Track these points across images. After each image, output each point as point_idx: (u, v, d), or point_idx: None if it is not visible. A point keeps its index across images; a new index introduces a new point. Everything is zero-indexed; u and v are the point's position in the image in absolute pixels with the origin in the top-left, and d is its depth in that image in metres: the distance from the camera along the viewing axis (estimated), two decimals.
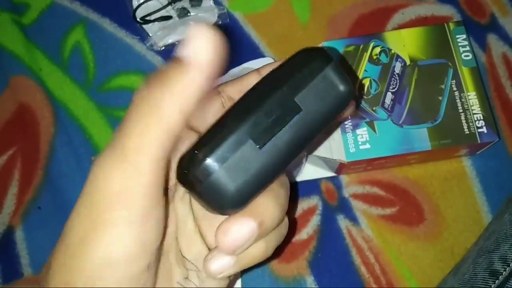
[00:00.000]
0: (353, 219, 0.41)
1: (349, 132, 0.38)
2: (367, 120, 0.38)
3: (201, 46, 0.17)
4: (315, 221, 0.42)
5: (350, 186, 0.42)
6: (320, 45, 0.41)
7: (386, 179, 0.43)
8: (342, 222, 0.41)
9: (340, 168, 0.40)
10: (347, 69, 0.39)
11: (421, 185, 0.42)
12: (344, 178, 0.43)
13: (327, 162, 0.40)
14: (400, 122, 0.38)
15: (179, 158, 0.21)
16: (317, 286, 0.40)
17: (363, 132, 0.38)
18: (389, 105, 0.39)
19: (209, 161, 0.19)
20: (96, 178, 0.18)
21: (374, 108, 0.39)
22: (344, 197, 0.42)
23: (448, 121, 0.39)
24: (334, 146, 0.38)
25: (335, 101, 0.22)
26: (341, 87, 0.22)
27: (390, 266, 0.40)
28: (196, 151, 0.20)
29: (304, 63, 0.22)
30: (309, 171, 0.42)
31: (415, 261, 0.40)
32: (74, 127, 0.44)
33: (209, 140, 0.20)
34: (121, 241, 0.18)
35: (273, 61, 0.41)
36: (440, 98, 0.40)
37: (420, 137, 0.38)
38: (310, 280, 0.40)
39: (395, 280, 0.40)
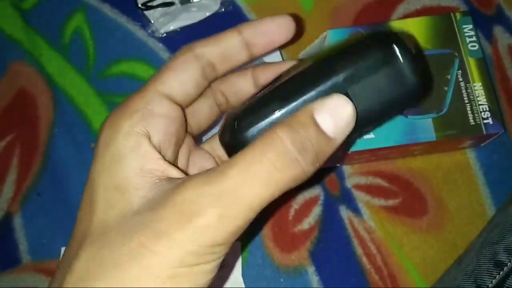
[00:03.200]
0: (356, 210, 0.41)
1: None
2: None
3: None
4: (317, 211, 0.41)
5: (353, 177, 0.42)
6: (324, 33, 0.40)
7: (389, 170, 0.42)
8: (344, 212, 0.41)
9: (343, 158, 0.39)
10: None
11: (424, 177, 0.42)
12: (346, 169, 0.42)
13: None
14: (405, 112, 0.38)
15: (224, 124, 0.21)
16: (318, 276, 0.39)
17: None
18: None
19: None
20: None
21: None
22: (346, 187, 0.42)
23: (454, 111, 0.38)
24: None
25: (396, 98, 0.19)
26: (409, 84, 0.19)
27: (392, 258, 0.40)
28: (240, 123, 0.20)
29: (372, 49, 0.19)
30: None
31: (418, 252, 0.40)
32: (74, 114, 0.43)
33: (252, 116, 0.20)
34: None
35: (277, 49, 0.40)
36: (446, 88, 0.39)
37: (425, 127, 0.38)
38: (311, 270, 0.39)
39: (397, 271, 0.39)
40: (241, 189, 0.17)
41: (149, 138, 0.20)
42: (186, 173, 0.21)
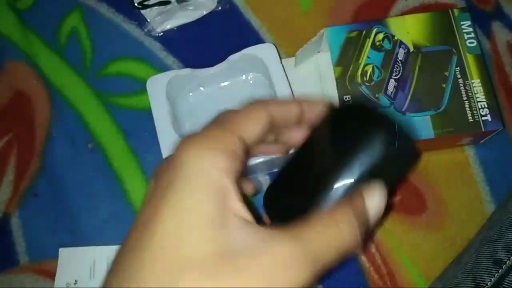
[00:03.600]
0: None
1: None
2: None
3: None
4: None
5: None
6: (322, 31, 0.40)
7: None
8: None
9: None
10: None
11: (423, 174, 0.42)
12: None
13: None
14: (403, 109, 0.38)
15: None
16: None
17: None
18: (392, 92, 0.38)
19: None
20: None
21: (376, 95, 0.38)
22: None
23: (452, 109, 0.38)
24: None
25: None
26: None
27: (391, 256, 0.40)
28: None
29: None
30: None
31: (417, 250, 0.40)
32: (71, 114, 0.43)
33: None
34: None
35: (274, 47, 0.40)
36: (444, 85, 0.39)
37: (423, 125, 0.38)
38: None
39: (396, 269, 0.39)
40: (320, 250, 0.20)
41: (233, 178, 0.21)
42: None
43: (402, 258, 0.40)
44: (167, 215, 0.19)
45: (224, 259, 0.19)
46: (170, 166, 0.21)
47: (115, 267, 0.20)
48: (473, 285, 0.30)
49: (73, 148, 0.42)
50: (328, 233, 0.20)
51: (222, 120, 0.24)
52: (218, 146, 0.21)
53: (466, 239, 0.40)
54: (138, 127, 0.43)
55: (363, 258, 0.40)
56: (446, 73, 0.39)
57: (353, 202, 0.22)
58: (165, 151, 0.37)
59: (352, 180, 0.23)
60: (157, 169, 0.22)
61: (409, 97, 0.38)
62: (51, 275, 0.39)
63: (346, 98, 0.38)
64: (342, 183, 0.23)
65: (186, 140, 0.22)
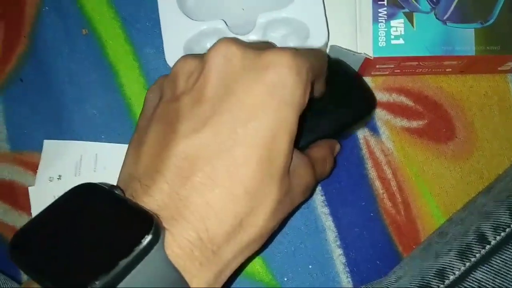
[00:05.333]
0: (373, 129, 0.36)
1: (381, 22, 0.32)
2: (406, 10, 0.32)
3: None
4: None
5: (375, 93, 0.37)
6: None
7: (416, 88, 0.37)
8: (361, 131, 0.36)
9: (364, 66, 0.34)
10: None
11: (456, 99, 0.37)
12: (368, 83, 0.37)
13: (349, 57, 0.34)
14: (445, 18, 0.32)
15: None
16: (323, 196, 0.35)
17: (398, 24, 0.32)
18: None
19: None
20: None
21: None
22: None
23: (501, 24, 0.33)
24: (361, 37, 0.32)
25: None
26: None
27: (409, 184, 0.36)
28: None
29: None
30: None
31: (438, 181, 0.36)
32: None
33: None
34: None
35: None
36: None
37: (465, 39, 0.32)
38: (316, 190, 0.35)
39: (412, 199, 0.35)
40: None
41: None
42: None
43: (420, 187, 0.35)
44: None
45: None
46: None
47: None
48: (509, 213, 0.26)
49: (65, 32, 0.38)
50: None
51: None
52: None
53: (494, 174, 0.36)
54: (139, 15, 0.38)
55: (377, 184, 0.36)
56: None
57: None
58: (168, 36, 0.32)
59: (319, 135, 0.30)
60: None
61: (454, 4, 0.33)
62: (34, 167, 0.35)
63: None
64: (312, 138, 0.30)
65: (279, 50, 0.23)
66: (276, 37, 0.34)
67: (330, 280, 0.34)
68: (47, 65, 0.37)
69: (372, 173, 0.36)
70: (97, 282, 0.18)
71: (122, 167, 0.25)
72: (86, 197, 0.22)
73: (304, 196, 0.26)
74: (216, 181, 0.21)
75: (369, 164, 0.36)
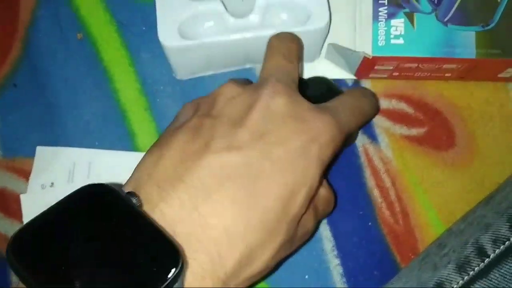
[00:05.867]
0: (372, 136, 0.36)
1: (382, 20, 0.31)
2: (407, 10, 0.32)
3: None
4: None
5: None
6: None
7: (417, 94, 0.36)
8: (359, 138, 0.36)
9: (362, 67, 0.34)
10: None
11: (457, 106, 0.36)
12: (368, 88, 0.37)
13: (347, 56, 0.34)
14: (446, 19, 0.32)
15: None
16: None
17: (398, 23, 0.31)
18: None
19: None
20: None
21: None
22: None
23: (503, 28, 0.32)
24: (360, 36, 0.32)
25: None
26: None
27: (408, 193, 0.35)
28: None
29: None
30: (323, 68, 0.36)
31: (438, 190, 0.35)
32: None
33: None
34: None
35: None
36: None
37: (466, 41, 0.32)
38: None
39: (411, 208, 0.35)
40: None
41: None
42: None
43: (420, 196, 0.35)
44: None
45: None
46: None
47: None
48: (509, 226, 0.25)
49: (60, 36, 0.37)
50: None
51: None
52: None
53: (495, 183, 0.35)
54: (135, 19, 0.37)
55: (375, 193, 0.35)
56: None
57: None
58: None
59: None
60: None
61: (455, 6, 0.32)
62: (26, 174, 0.35)
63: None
64: None
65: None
66: (276, 22, 0.34)
67: None
68: (42, 70, 0.37)
69: (371, 182, 0.35)
70: None
71: (139, 164, 0.24)
72: (99, 202, 0.19)
73: (303, 241, 0.27)
74: (236, 205, 0.21)
75: (367, 172, 0.35)
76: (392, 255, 0.34)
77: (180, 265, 0.18)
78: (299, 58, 0.29)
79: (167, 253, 0.18)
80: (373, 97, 0.32)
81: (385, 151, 0.36)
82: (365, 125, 0.35)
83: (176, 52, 0.32)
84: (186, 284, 0.19)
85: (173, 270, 0.17)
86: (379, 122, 0.36)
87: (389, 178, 0.35)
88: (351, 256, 0.34)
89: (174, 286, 0.18)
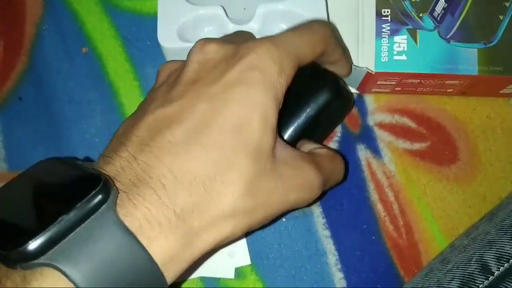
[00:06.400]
0: (375, 151, 0.36)
1: (385, 37, 0.32)
2: (410, 27, 0.32)
3: None
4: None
5: (377, 114, 0.37)
6: None
7: (419, 109, 0.37)
8: (362, 152, 0.36)
9: (365, 82, 0.34)
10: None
11: (459, 121, 0.36)
12: (370, 104, 0.37)
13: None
14: (448, 36, 0.32)
15: None
16: (324, 219, 0.35)
17: (401, 40, 0.32)
18: (439, 14, 0.32)
19: None
20: None
21: (420, 15, 0.32)
22: (368, 125, 0.36)
23: (505, 45, 0.33)
24: (363, 52, 0.32)
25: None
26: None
27: (411, 207, 0.35)
28: None
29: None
30: None
31: (441, 204, 0.35)
32: (65, 11, 0.38)
33: None
34: None
35: None
36: (501, 17, 0.33)
37: (468, 58, 0.32)
38: (317, 212, 0.35)
39: (414, 222, 0.35)
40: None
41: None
42: None
43: (423, 210, 0.35)
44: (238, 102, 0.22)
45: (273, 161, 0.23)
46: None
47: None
48: None
49: (65, 50, 0.37)
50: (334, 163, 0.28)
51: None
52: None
53: (497, 198, 0.35)
54: (140, 34, 0.37)
55: (379, 207, 0.35)
56: (507, 4, 0.33)
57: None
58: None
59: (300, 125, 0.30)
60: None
61: (457, 24, 0.32)
62: None
63: (384, 11, 0.32)
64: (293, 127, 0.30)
65: (254, 42, 0.24)
66: (275, 31, 0.34)
67: None
68: (46, 84, 0.37)
69: (374, 196, 0.35)
70: (36, 238, 0.17)
71: None
72: (47, 165, 0.22)
73: (302, 193, 0.25)
74: (175, 144, 0.21)
75: (371, 186, 0.36)
76: (396, 269, 0.34)
77: (99, 187, 0.19)
78: None
79: (89, 181, 0.19)
80: (325, 21, 0.29)
81: (388, 165, 0.36)
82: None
83: (174, 54, 0.33)
84: (130, 218, 0.19)
85: (93, 191, 0.18)
86: (382, 136, 0.36)
87: (392, 192, 0.35)
88: (354, 270, 0.34)
89: (102, 212, 0.19)
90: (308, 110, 0.31)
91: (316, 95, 0.31)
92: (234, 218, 0.22)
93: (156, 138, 0.21)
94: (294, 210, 0.30)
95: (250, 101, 0.22)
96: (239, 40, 0.25)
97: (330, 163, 0.27)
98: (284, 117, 0.30)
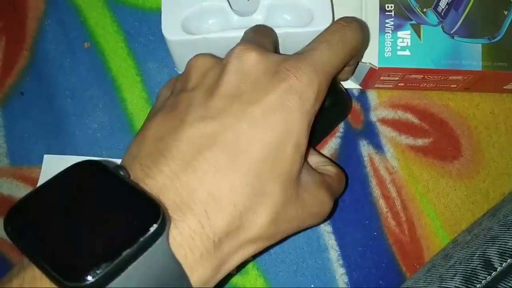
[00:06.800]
0: (378, 146, 0.36)
1: (388, 32, 0.32)
2: (413, 22, 0.32)
3: None
4: (333, 144, 0.36)
5: (380, 109, 0.37)
6: None
7: (422, 105, 0.36)
8: (365, 148, 0.36)
9: (368, 77, 0.34)
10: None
11: (462, 117, 0.36)
12: (373, 99, 0.37)
13: None
14: (452, 31, 0.32)
15: None
16: None
17: (405, 35, 0.32)
18: (443, 9, 0.32)
19: None
20: None
21: (424, 10, 0.32)
22: (370, 121, 0.36)
23: (509, 41, 0.32)
24: (367, 47, 0.32)
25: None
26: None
27: (413, 203, 0.35)
28: None
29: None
30: None
31: (443, 200, 0.35)
32: (68, 6, 0.38)
33: None
34: None
35: None
36: (506, 12, 0.33)
37: (472, 53, 0.32)
38: None
39: (416, 218, 0.35)
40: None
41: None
42: None
43: (425, 206, 0.35)
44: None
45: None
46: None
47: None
48: None
49: (67, 45, 0.37)
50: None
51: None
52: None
53: (500, 194, 0.35)
54: (142, 29, 0.37)
55: (381, 203, 0.35)
56: None
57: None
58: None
59: None
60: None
61: (461, 19, 0.32)
62: (33, 182, 0.35)
63: (388, 6, 0.32)
64: None
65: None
66: (279, 23, 0.34)
67: None
68: (49, 79, 0.37)
69: (376, 192, 0.35)
70: (98, 272, 0.17)
71: (126, 151, 0.24)
72: (89, 175, 0.21)
73: (319, 213, 0.26)
74: (218, 169, 0.21)
75: (373, 182, 0.35)
76: (398, 265, 0.34)
77: (160, 220, 0.18)
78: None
79: (148, 210, 0.19)
80: (358, 24, 0.27)
81: (391, 161, 0.36)
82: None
83: (178, 46, 0.32)
84: (177, 246, 0.19)
85: (154, 225, 0.18)
86: (385, 132, 0.36)
87: (394, 188, 0.35)
88: (356, 266, 0.34)
89: (157, 243, 0.18)
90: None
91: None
92: (258, 243, 0.23)
93: (199, 158, 0.21)
94: None
95: (287, 129, 0.22)
96: (270, 47, 0.26)
97: (339, 184, 0.29)
98: None
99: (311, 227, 0.27)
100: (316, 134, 0.33)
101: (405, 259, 0.34)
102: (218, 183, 0.21)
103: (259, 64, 0.23)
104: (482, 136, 0.36)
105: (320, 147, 0.36)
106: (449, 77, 0.33)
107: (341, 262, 0.34)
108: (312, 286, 0.34)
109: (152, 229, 0.18)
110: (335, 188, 0.28)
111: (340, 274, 0.34)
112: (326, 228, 0.35)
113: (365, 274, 0.34)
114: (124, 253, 0.17)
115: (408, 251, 0.34)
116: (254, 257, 0.34)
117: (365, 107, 0.37)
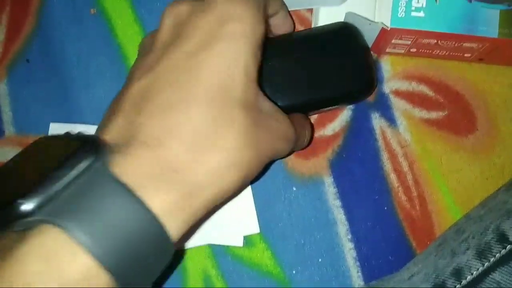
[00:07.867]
0: (391, 119, 0.35)
1: None
2: None
3: None
4: (344, 116, 0.35)
5: (393, 81, 0.35)
6: None
7: (438, 76, 0.35)
8: (377, 121, 0.35)
9: (379, 40, 0.32)
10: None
11: (479, 90, 0.35)
12: (387, 70, 0.36)
13: (365, 26, 0.32)
14: None
15: None
16: (335, 189, 0.34)
17: None
18: None
19: None
20: None
21: None
22: (383, 92, 0.35)
23: None
24: (380, 6, 0.31)
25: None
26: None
27: (426, 178, 0.34)
28: None
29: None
30: None
31: (457, 175, 0.34)
32: None
33: None
34: None
35: None
36: None
37: (489, 19, 0.31)
38: (329, 181, 0.34)
39: (428, 193, 0.34)
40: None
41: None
42: None
43: (437, 181, 0.34)
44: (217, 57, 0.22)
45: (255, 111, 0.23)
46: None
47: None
48: None
49: (73, 11, 0.36)
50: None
51: None
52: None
53: None
54: None
55: (392, 177, 0.34)
56: None
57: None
58: None
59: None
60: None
61: None
62: None
63: None
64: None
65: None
66: None
67: (340, 274, 0.33)
68: (55, 46, 0.36)
69: (388, 166, 0.34)
70: (31, 195, 0.18)
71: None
72: (41, 140, 0.23)
73: (284, 143, 0.26)
74: (172, 105, 0.21)
75: (384, 156, 0.35)
76: (408, 241, 0.33)
77: (89, 146, 0.20)
78: None
79: (81, 144, 0.20)
80: None
81: (404, 134, 0.35)
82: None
83: None
84: (126, 175, 0.20)
85: (82, 149, 0.19)
86: (398, 105, 0.35)
87: (406, 162, 0.34)
88: (365, 241, 0.34)
89: (96, 169, 0.19)
90: (327, 91, 0.30)
91: (345, 83, 0.30)
92: (232, 171, 0.22)
93: (151, 100, 0.22)
94: (274, 161, 0.33)
95: (231, 57, 0.22)
96: None
97: (300, 124, 0.29)
98: (300, 82, 0.30)
99: (282, 157, 0.27)
100: (322, 107, 0.33)
101: (416, 234, 0.34)
102: (174, 116, 0.21)
103: (190, 8, 0.24)
104: (499, 110, 0.35)
105: (331, 119, 0.35)
106: (463, 44, 0.32)
107: (349, 236, 0.34)
108: (319, 260, 0.33)
109: (79, 152, 0.19)
110: (297, 126, 0.28)
111: (349, 249, 0.33)
112: (335, 202, 0.34)
113: (374, 249, 0.34)
114: (51, 174, 0.18)
115: (418, 227, 0.34)
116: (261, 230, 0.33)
117: (379, 79, 0.35)
